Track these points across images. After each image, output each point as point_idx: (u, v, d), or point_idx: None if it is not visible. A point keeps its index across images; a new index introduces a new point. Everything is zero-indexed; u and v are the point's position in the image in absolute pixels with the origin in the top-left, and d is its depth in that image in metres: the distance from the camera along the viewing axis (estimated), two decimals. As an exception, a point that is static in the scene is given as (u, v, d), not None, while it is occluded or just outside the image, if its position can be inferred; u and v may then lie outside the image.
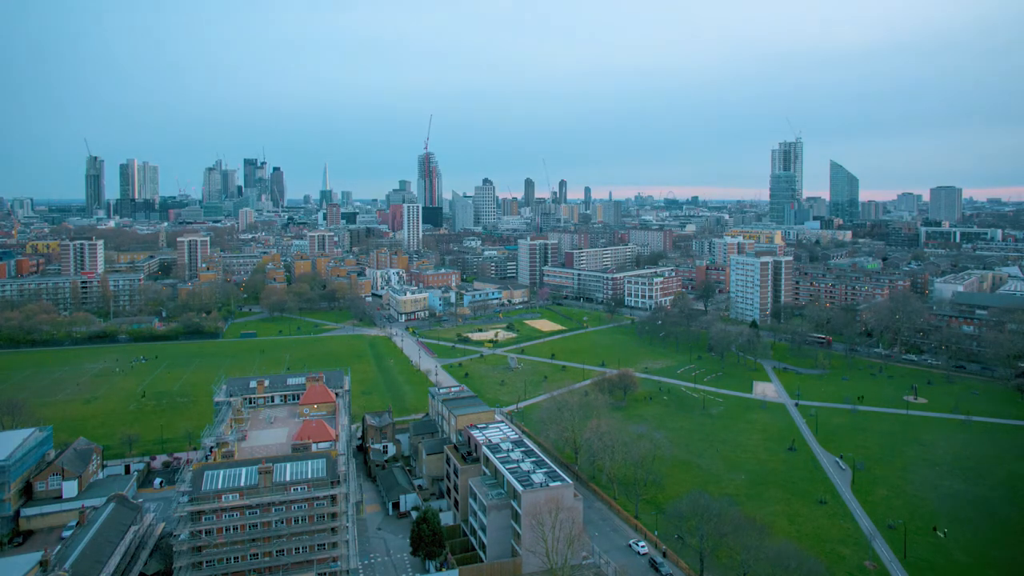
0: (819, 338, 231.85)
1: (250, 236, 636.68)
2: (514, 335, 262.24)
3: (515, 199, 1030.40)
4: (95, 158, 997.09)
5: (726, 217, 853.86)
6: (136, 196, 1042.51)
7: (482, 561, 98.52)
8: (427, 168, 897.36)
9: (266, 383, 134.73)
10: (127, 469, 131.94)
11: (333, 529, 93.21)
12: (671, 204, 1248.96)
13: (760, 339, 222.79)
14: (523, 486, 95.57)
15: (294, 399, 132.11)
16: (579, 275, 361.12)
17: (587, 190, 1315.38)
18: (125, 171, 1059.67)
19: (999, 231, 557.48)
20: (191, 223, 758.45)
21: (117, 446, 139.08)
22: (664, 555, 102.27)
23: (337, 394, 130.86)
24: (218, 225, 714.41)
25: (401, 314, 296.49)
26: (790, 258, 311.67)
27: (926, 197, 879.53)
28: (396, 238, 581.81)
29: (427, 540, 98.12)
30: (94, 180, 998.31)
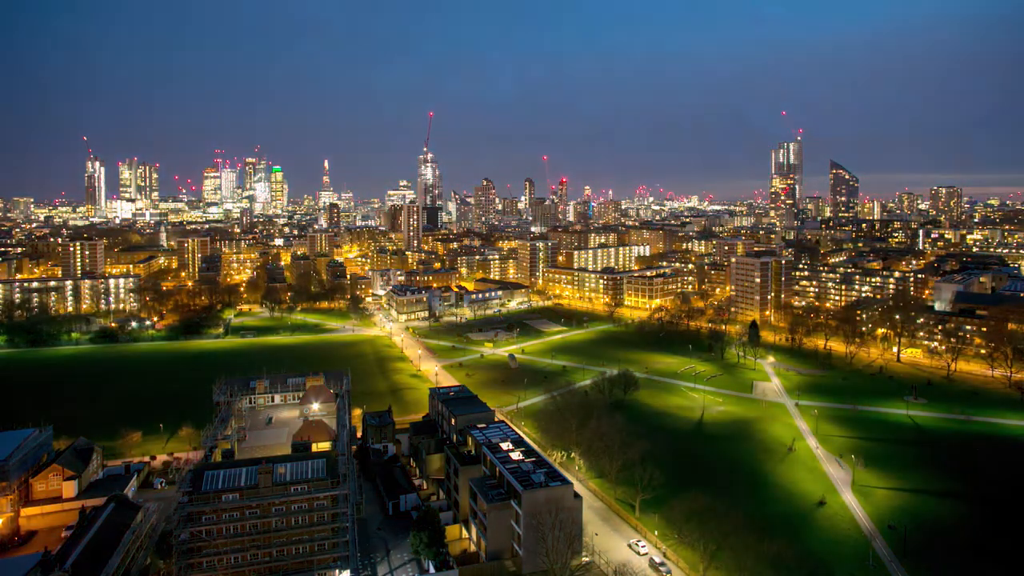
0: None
1: (250, 235, 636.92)
2: (514, 335, 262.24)
3: (515, 199, 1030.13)
4: (95, 158, 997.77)
5: (726, 217, 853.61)
6: (136, 196, 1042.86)
7: (482, 561, 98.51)
8: (427, 168, 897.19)
9: (266, 383, 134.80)
10: (127, 469, 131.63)
11: (333, 529, 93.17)
12: (671, 205, 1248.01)
13: (760, 339, 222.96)
14: (523, 486, 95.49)
15: (294, 399, 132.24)
16: (579, 275, 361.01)
17: (587, 190, 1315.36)
18: (124, 171, 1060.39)
19: (999, 231, 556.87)
20: (191, 223, 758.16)
21: (117, 446, 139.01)
22: (664, 555, 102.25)
23: (337, 394, 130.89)
24: (218, 225, 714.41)
25: (401, 314, 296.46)
26: (790, 258, 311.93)
27: (926, 197, 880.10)
28: (396, 238, 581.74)
29: (427, 540, 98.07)
30: (94, 180, 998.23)
